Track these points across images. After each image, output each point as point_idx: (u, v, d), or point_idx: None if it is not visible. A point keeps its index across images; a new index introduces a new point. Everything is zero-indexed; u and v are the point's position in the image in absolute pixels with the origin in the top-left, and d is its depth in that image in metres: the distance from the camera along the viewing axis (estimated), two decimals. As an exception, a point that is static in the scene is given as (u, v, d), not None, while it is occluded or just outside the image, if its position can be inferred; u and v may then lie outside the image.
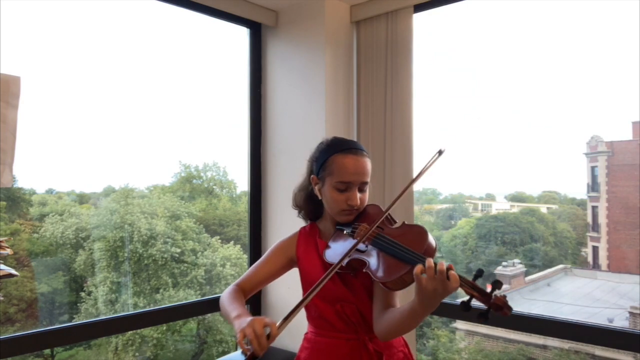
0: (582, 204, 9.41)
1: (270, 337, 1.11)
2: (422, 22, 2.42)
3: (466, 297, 1.06)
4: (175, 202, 7.88)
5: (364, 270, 1.22)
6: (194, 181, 8.67)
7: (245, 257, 5.28)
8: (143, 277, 7.24)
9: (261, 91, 2.77)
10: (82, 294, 6.90)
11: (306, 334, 1.49)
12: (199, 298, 4.37)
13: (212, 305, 2.75)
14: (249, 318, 1.16)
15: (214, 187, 8.85)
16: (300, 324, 2.61)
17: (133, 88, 8.48)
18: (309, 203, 1.50)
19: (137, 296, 7.12)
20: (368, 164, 1.36)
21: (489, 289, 1.06)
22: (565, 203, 9.91)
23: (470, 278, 1.07)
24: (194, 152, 8.85)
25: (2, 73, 1.41)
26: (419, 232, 1.22)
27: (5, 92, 1.40)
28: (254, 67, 2.75)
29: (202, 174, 8.74)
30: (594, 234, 8.73)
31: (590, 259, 8.94)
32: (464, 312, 1.04)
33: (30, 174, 6.84)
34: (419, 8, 2.38)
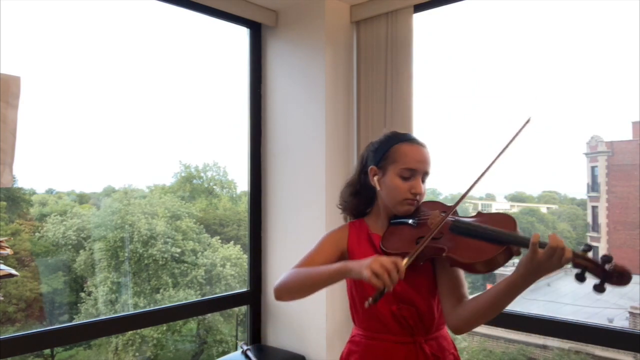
0: (582, 204, 9.40)
1: (399, 273, 1.11)
2: (422, 22, 2.42)
3: (578, 270, 1.07)
4: (176, 202, 7.88)
5: (443, 255, 1.21)
6: (194, 181, 8.67)
7: (245, 257, 5.28)
8: (143, 277, 7.23)
9: (261, 91, 2.77)
10: (82, 294, 6.90)
11: (353, 336, 1.42)
12: (199, 298, 4.36)
13: (212, 305, 2.75)
14: (369, 258, 1.14)
15: (214, 187, 8.85)
16: (299, 324, 2.61)
17: (133, 88, 8.48)
18: (355, 198, 1.47)
19: (137, 296, 7.12)
20: (430, 156, 1.37)
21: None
22: (565, 203, 9.90)
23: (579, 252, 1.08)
24: (194, 152, 8.84)
25: (2, 73, 1.42)
26: (509, 220, 1.23)
27: (5, 92, 1.40)
28: (254, 67, 2.75)
29: (202, 174, 8.74)
30: (594, 234, 8.72)
31: (590, 259, 8.94)
32: (580, 283, 1.07)
33: (30, 174, 6.83)
34: (419, 8, 2.38)
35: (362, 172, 1.45)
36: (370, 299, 1.12)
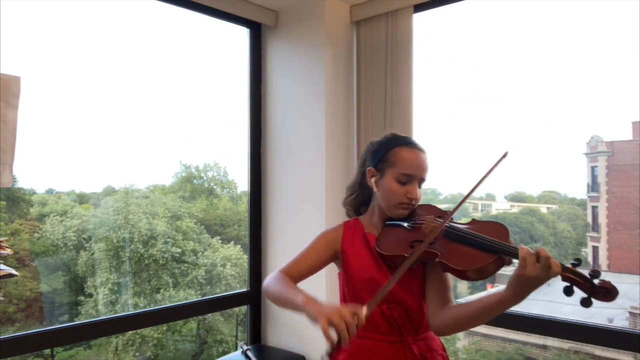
0: (582, 204, 9.40)
1: (358, 325, 1.06)
2: (422, 22, 2.42)
3: (567, 284, 1.10)
4: (176, 203, 7.88)
5: (437, 260, 1.22)
6: (195, 181, 8.67)
7: (246, 257, 5.28)
8: (143, 277, 7.23)
9: (261, 91, 2.77)
10: (83, 294, 6.90)
11: None
12: (199, 298, 4.36)
13: (212, 305, 2.75)
14: (330, 305, 1.10)
15: (215, 187, 8.85)
16: (299, 324, 2.61)
17: (133, 88, 8.48)
18: (355, 197, 1.49)
19: (137, 296, 7.12)
20: (428, 161, 1.38)
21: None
22: (565, 203, 9.90)
23: (569, 265, 1.10)
24: (195, 152, 8.84)
25: (2, 73, 1.41)
26: (501, 228, 1.25)
27: (5, 92, 1.40)
28: (254, 67, 2.75)
29: (202, 174, 8.74)
30: (594, 234, 8.72)
31: (590, 259, 8.94)
32: (567, 296, 1.10)
33: (30, 174, 6.83)
34: (419, 8, 2.38)
35: (361, 171, 1.46)
36: (326, 354, 1.12)
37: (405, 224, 1.35)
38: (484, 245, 1.19)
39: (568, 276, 1.09)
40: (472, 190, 1.30)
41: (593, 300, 1.07)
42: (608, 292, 1.06)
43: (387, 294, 1.28)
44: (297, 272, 1.38)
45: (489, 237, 1.20)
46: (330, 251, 1.42)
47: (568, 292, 1.09)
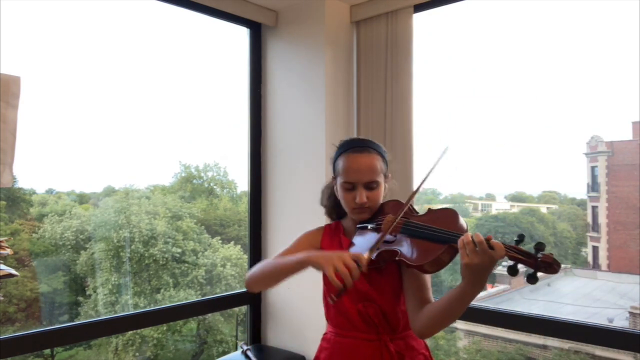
0: (582, 204, 9.40)
1: (360, 268, 1.12)
2: (422, 22, 2.42)
3: (511, 263, 1.08)
4: (177, 203, 7.88)
5: (396, 259, 1.22)
6: (195, 181, 8.67)
7: (246, 257, 5.28)
8: (144, 277, 7.24)
9: (261, 91, 2.77)
10: (83, 294, 6.90)
11: (325, 334, 1.47)
12: (199, 298, 4.36)
13: (212, 305, 2.75)
14: (330, 252, 1.16)
15: (215, 187, 8.85)
16: (299, 324, 2.61)
17: (133, 88, 8.48)
18: (331, 201, 1.51)
19: (137, 296, 7.12)
20: (374, 161, 1.35)
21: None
22: (565, 203, 9.90)
23: (512, 243, 1.09)
24: (194, 153, 8.84)
25: (2, 73, 1.41)
26: (449, 214, 1.24)
27: (5, 92, 1.40)
28: (254, 67, 2.75)
29: (202, 174, 8.74)
30: (594, 234, 8.72)
31: (590, 259, 8.94)
32: (512, 276, 1.07)
33: (30, 174, 6.83)
34: (419, 8, 2.38)
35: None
36: (333, 295, 1.15)
37: (369, 226, 1.37)
38: (433, 236, 1.19)
39: (512, 255, 1.07)
40: (415, 193, 1.33)
41: (538, 274, 1.06)
42: (549, 265, 1.04)
43: (360, 294, 1.35)
44: None
45: (437, 227, 1.20)
46: (311, 249, 1.44)
47: (512, 271, 1.07)
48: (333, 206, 1.52)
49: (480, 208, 10.44)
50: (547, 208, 10.02)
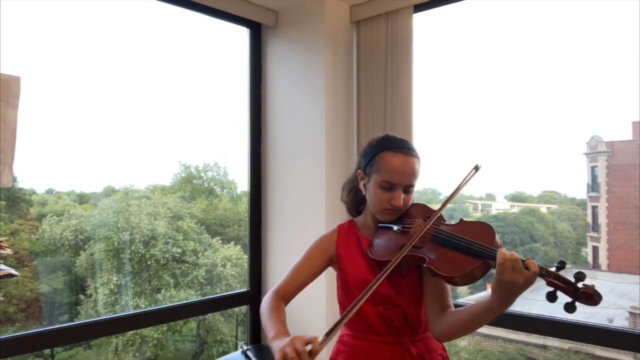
0: (582, 204, 9.39)
1: (312, 354, 1.06)
2: (422, 22, 2.42)
3: (551, 289, 1.07)
4: (177, 203, 7.88)
5: (424, 266, 1.21)
6: (194, 181, 8.67)
7: (246, 257, 5.28)
8: (144, 278, 7.23)
9: (261, 91, 2.77)
10: (83, 294, 6.90)
11: (341, 336, 1.44)
12: (200, 298, 4.36)
13: (213, 305, 2.75)
14: (288, 338, 1.11)
15: (215, 187, 8.85)
16: (299, 324, 2.61)
17: (133, 88, 8.48)
18: (352, 197, 1.48)
19: (137, 297, 7.12)
20: (417, 165, 1.33)
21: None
22: (565, 203, 9.89)
23: (552, 269, 1.08)
24: (194, 153, 8.84)
25: (2, 73, 1.41)
26: (486, 229, 1.21)
27: (5, 92, 1.40)
28: (254, 67, 2.75)
29: (202, 174, 8.74)
30: (594, 234, 8.71)
31: (590, 259, 8.93)
32: (550, 302, 1.06)
33: (30, 174, 6.83)
34: (419, 8, 2.38)
35: (356, 171, 1.46)
36: None
37: (395, 227, 1.33)
38: (469, 250, 1.16)
39: (551, 280, 1.06)
40: (443, 207, 1.29)
41: (577, 305, 1.05)
42: (590, 297, 1.03)
43: (381, 297, 1.31)
44: (292, 288, 1.40)
45: (473, 240, 1.17)
46: (324, 259, 1.43)
47: (551, 297, 1.06)
48: (354, 203, 1.48)
49: (480, 208, 10.43)
50: (547, 208, 10.01)
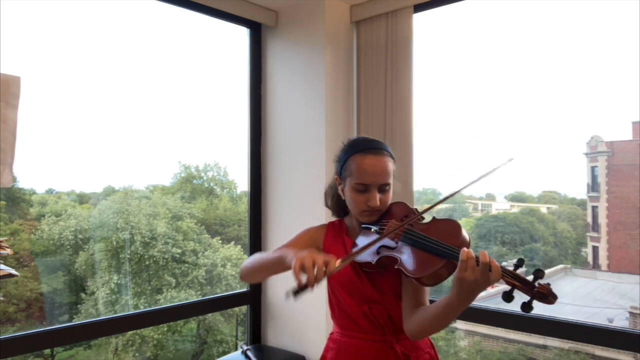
0: (582, 204, 9.39)
1: (327, 273, 1.10)
2: (422, 22, 2.42)
3: (508, 288, 1.06)
4: (177, 203, 7.88)
5: (395, 267, 1.21)
6: (195, 181, 8.67)
7: (246, 257, 5.28)
8: (144, 278, 7.24)
9: (261, 91, 2.77)
10: (83, 294, 6.90)
11: (332, 334, 1.47)
12: (200, 298, 4.36)
13: (213, 305, 2.75)
14: (308, 251, 1.14)
15: (215, 187, 8.85)
16: (299, 324, 2.61)
17: (133, 88, 8.48)
18: (335, 202, 1.50)
19: (137, 297, 7.12)
20: (388, 164, 1.34)
21: (529, 278, 1.06)
22: (565, 203, 9.89)
23: (510, 268, 1.07)
24: (194, 153, 8.84)
25: (2, 73, 1.42)
26: (452, 226, 1.22)
27: (5, 92, 1.40)
28: (254, 67, 2.75)
29: (202, 174, 8.74)
30: (594, 234, 8.71)
31: (590, 259, 8.93)
32: (507, 302, 1.05)
33: (30, 174, 6.83)
34: (419, 8, 2.38)
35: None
36: (291, 291, 1.12)
37: (373, 228, 1.34)
38: (434, 250, 1.16)
39: (509, 280, 1.05)
40: (460, 190, 1.28)
41: (533, 303, 1.04)
42: (544, 297, 1.02)
43: (365, 297, 1.34)
44: None
45: (438, 240, 1.17)
46: (311, 244, 1.44)
47: (508, 297, 1.04)
48: (338, 207, 1.50)
49: (480, 208, 10.43)
50: (547, 208, 10.01)
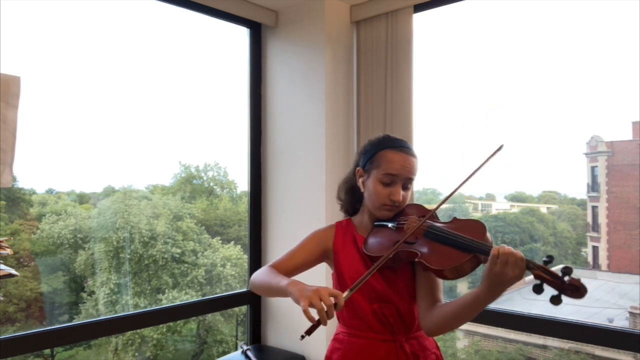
0: (582, 204, 9.39)
1: (337, 307, 1.10)
2: (422, 22, 2.42)
3: (537, 281, 1.10)
4: (177, 203, 7.88)
5: (415, 260, 1.24)
6: (195, 181, 8.67)
7: (246, 257, 5.28)
8: (143, 278, 7.24)
9: (261, 91, 2.77)
10: (83, 294, 6.90)
11: (336, 334, 1.46)
12: (199, 298, 4.36)
13: (213, 305, 2.75)
14: (312, 286, 1.14)
15: (215, 187, 8.85)
16: (299, 324, 2.60)
17: (133, 88, 8.48)
18: (349, 196, 1.50)
19: (137, 297, 7.12)
20: (416, 164, 1.38)
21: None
22: (565, 203, 9.89)
23: (540, 263, 1.11)
24: (194, 153, 8.84)
25: (2, 73, 1.41)
26: (478, 227, 1.26)
27: (5, 92, 1.40)
28: (254, 67, 2.75)
29: (202, 174, 8.73)
30: (594, 234, 8.71)
31: (590, 259, 8.93)
32: (537, 294, 1.09)
33: (30, 174, 6.83)
34: (419, 8, 2.38)
35: (354, 170, 1.48)
36: (305, 333, 1.12)
37: (390, 225, 1.37)
38: (459, 244, 1.21)
39: (538, 274, 1.10)
40: (455, 190, 1.30)
41: (563, 297, 1.08)
42: (577, 290, 1.06)
43: (376, 294, 1.34)
44: (286, 268, 1.40)
45: (465, 235, 1.22)
46: (320, 249, 1.45)
47: (538, 289, 1.10)
48: (350, 201, 1.51)
49: (480, 208, 10.44)
50: (547, 208, 10.02)
